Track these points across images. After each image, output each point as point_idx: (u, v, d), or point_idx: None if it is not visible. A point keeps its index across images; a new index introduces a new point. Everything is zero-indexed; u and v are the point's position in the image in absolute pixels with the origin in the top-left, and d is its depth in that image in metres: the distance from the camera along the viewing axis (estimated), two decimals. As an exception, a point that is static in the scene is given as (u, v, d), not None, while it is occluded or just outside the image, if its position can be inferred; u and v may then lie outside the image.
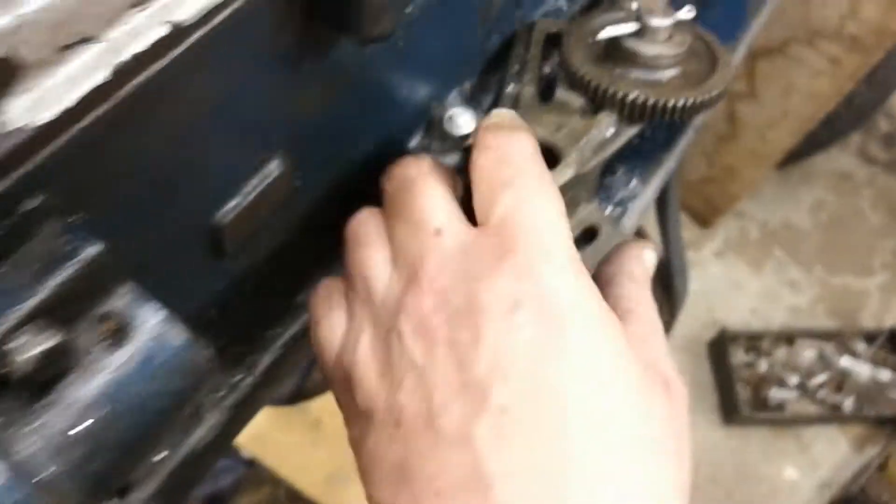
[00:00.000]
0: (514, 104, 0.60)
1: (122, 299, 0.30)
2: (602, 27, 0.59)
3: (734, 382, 2.40)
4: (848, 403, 2.38)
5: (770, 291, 2.74)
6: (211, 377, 0.32)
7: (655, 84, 0.57)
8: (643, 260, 0.57)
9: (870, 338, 2.52)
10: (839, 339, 2.51)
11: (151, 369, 0.29)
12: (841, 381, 2.42)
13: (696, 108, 0.56)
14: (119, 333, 0.30)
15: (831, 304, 2.73)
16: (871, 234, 2.90)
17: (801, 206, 2.96)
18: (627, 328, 0.46)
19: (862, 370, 2.42)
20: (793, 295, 2.74)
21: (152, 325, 0.30)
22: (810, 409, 2.41)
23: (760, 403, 2.42)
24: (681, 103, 0.55)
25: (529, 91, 0.61)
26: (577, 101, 0.58)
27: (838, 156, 3.06)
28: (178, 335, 0.30)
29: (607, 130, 0.56)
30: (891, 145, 3.12)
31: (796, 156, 2.86)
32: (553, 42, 0.65)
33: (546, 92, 0.61)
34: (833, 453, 2.45)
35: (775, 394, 2.40)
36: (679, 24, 0.58)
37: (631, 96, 0.55)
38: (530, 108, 0.60)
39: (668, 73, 0.58)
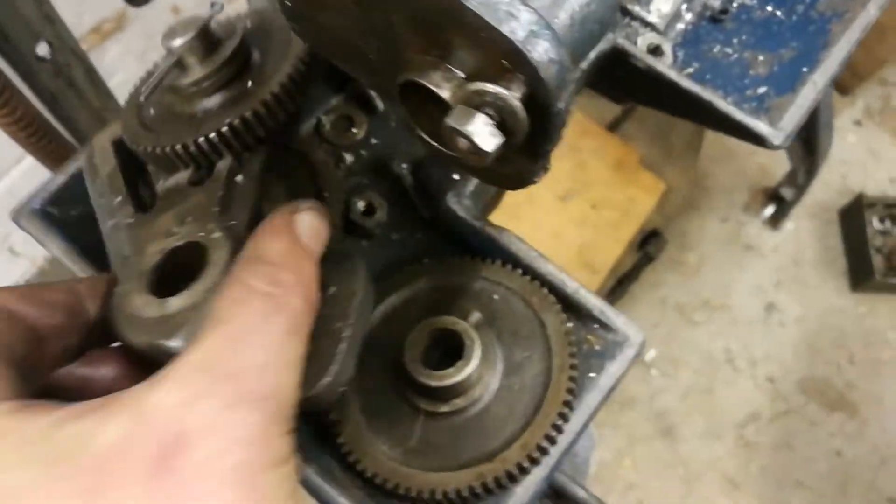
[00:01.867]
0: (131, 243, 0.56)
1: None
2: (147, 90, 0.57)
3: (868, 248, 2.37)
4: None
5: (913, 162, 2.64)
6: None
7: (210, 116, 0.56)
8: (287, 228, 0.48)
9: None
10: None
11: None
12: (984, 253, 2.35)
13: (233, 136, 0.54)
14: None
15: (980, 176, 2.60)
16: None
17: (956, 74, 2.78)
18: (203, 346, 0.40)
19: None
20: (937, 166, 2.63)
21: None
22: (948, 277, 2.36)
23: (893, 272, 2.39)
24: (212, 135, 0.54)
25: (127, 212, 0.57)
26: (180, 180, 0.57)
27: None
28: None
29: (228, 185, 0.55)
30: None
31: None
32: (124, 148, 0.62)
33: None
34: (965, 324, 2.42)
35: (911, 262, 2.36)
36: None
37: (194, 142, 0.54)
38: (139, 226, 0.56)
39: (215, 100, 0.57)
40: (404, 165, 0.73)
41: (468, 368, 0.59)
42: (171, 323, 0.48)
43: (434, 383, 0.59)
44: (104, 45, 2.02)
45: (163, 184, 0.60)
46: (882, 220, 2.45)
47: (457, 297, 0.64)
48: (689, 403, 2.41)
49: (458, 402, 0.61)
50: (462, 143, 0.38)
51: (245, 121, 0.56)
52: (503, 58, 0.37)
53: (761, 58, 0.76)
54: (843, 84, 2.68)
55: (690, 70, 0.76)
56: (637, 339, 0.63)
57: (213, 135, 0.56)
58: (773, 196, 2.53)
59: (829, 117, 2.14)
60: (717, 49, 0.77)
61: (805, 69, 0.73)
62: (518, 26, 0.36)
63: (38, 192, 0.68)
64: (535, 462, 0.58)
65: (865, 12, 0.75)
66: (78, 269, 0.66)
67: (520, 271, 0.65)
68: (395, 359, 0.62)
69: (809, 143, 2.21)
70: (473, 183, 0.69)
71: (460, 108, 0.38)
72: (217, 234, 0.52)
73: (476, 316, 0.62)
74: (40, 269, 2.18)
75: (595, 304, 0.63)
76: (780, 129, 0.70)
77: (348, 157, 0.75)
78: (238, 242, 0.51)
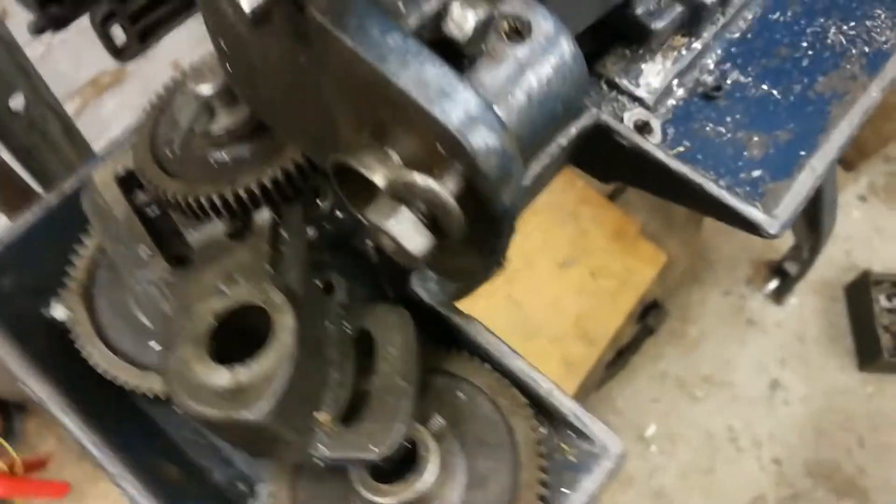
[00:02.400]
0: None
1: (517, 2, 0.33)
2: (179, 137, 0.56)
3: (876, 327, 2.29)
4: None
5: (920, 239, 2.58)
6: (586, 94, 0.34)
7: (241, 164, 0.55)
8: None
9: None
10: None
11: (549, 67, 0.32)
12: None
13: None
14: (517, 34, 0.32)
15: None
16: None
17: (961, 151, 2.74)
18: None
19: None
20: (944, 243, 2.57)
21: (546, 28, 0.32)
22: (958, 360, 2.27)
23: (902, 351, 2.31)
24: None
25: (160, 266, 0.57)
26: (217, 230, 0.56)
27: None
28: (567, 42, 0.32)
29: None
30: None
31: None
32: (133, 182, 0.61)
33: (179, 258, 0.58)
34: (978, 409, 2.31)
35: (920, 342, 2.28)
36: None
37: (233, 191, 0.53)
38: (179, 283, 0.56)
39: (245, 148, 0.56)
40: (369, 242, 0.68)
41: (421, 483, 0.52)
42: (247, 394, 0.47)
43: (382, 500, 0.52)
44: (101, 97, 2.01)
45: (195, 234, 0.58)
46: (889, 298, 2.38)
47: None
48: (689, 483, 2.30)
49: None
50: (387, 241, 0.33)
51: (288, 173, 0.55)
52: (439, 143, 0.32)
53: (756, 139, 0.71)
54: (848, 160, 2.64)
55: (681, 149, 0.71)
56: (615, 450, 0.56)
57: (254, 186, 0.54)
58: (777, 271, 2.47)
59: (834, 194, 2.10)
60: (709, 128, 0.72)
61: (803, 153, 0.68)
62: (453, 108, 0.31)
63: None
64: None
65: (867, 94, 0.71)
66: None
67: (488, 366, 0.59)
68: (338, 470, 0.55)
69: (814, 219, 2.16)
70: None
71: (384, 202, 0.33)
72: (276, 297, 0.51)
73: (438, 422, 0.55)
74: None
75: (570, 408, 0.57)
76: (776, 217, 0.64)
77: (310, 232, 0.69)
78: (296, 304, 0.51)
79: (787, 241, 2.47)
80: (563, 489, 0.55)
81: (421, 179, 0.32)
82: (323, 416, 0.52)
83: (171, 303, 0.55)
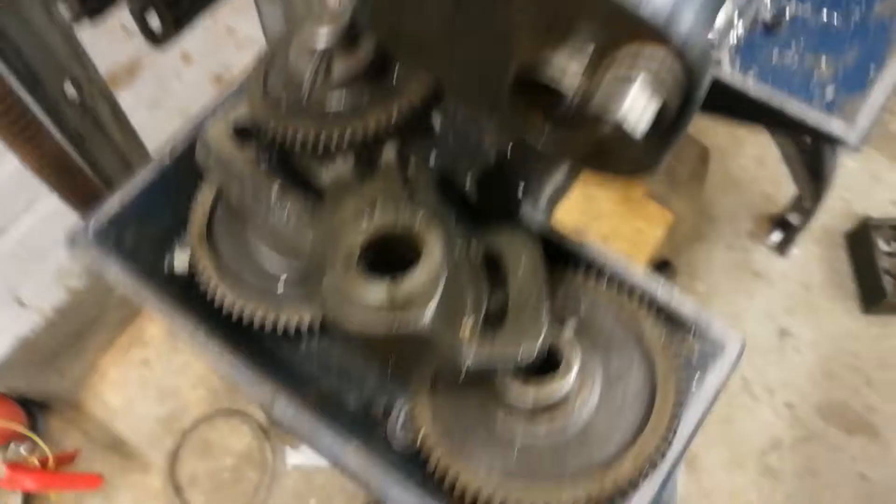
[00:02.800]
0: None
1: None
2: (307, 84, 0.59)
3: (878, 270, 2.37)
4: None
5: (913, 185, 2.66)
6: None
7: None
8: None
9: None
10: None
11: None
12: None
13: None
14: None
15: (978, 196, 2.63)
16: None
17: (945, 98, 2.83)
18: None
19: None
20: (937, 187, 2.66)
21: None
22: (959, 296, 2.36)
23: (904, 292, 2.39)
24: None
25: (295, 203, 0.60)
26: (345, 167, 0.59)
27: None
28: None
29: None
30: None
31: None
32: (245, 134, 0.64)
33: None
34: (979, 342, 2.41)
35: (921, 282, 2.36)
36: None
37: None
38: (318, 215, 0.60)
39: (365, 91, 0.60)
40: (468, 179, 0.71)
41: (566, 379, 0.56)
42: (408, 303, 0.52)
43: (532, 394, 0.56)
44: (116, 92, 2.02)
45: (323, 172, 0.61)
46: (889, 242, 2.46)
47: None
48: (709, 433, 2.37)
49: (558, 416, 0.57)
50: (615, 112, 0.36)
51: (412, 109, 0.59)
52: (641, 34, 0.35)
53: (824, 60, 0.75)
54: (839, 110, 2.72)
55: (752, 75, 0.75)
56: (736, 345, 0.60)
57: (385, 122, 0.58)
58: (779, 223, 2.53)
59: (835, 148, 2.17)
60: (775, 56, 0.76)
61: (872, 70, 0.73)
62: (662, 4, 0.35)
63: (93, 217, 0.65)
64: (649, 473, 0.54)
65: (925, 13, 0.75)
66: (134, 292, 0.62)
67: (605, 280, 0.63)
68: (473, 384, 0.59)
69: (815, 167, 2.22)
70: (548, 189, 0.67)
71: (611, 79, 0.36)
72: (420, 217, 0.55)
73: (572, 324, 0.59)
74: (48, 321, 2.11)
75: (690, 310, 0.61)
76: (857, 127, 0.69)
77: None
78: (438, 223, 0.55)
79: (786, 193, 2.54)
80: (694, 382, 0.59)
81: (649, 51, 0.35)
82: (467, 327, 0.56)
83: (314, 234, 0.58)
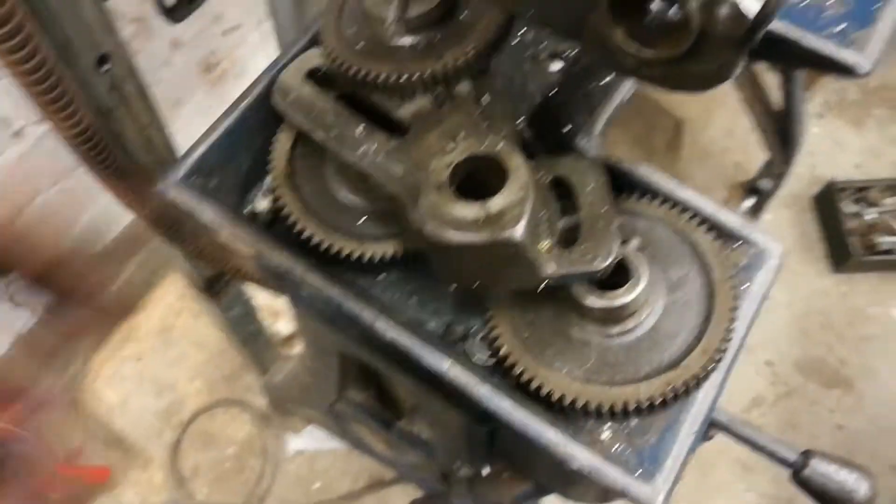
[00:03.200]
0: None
1: None
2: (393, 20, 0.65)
3: (844, 231, 2.50)
4: (958, 244, 2.47)
5: (873, 148, 2.81)
6: None
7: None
8: None
9: (974, 185, 2.59)
10: (945, 187, 2.59)
11: None
12: (949, 225, 2.51)
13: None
14: None
15: (933, 158, 2.80)
16: (969, 91, 2.94)
17: (896, 67, 2.99)
18: None
19: (970, 214, 2.51)
20: None
21: None
22: (920, 251, 2.51)
23: (870, 250, 2.53)
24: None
25: (380, 138, 0.65)
26: (423, 103, 0.65)
27: (932, 16, 3.07)
28: None
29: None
30: None
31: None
32: (319, 79, 0.70)
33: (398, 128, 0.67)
34: (940, 294, 2.56)
35: (885, 240, 2.50)
36: None
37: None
38: (404, 148, 0.64)
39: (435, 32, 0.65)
40: (521, 120, 0.77)
41: (638, 288, 0.62)
42: (502, 218, 0.57)
43: (607, 304, 0.62)
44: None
45: (403, 109, 0.66)
46: (853, 204, 2.60)
47: None
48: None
49: (630, 323, 0.63)
50: (724, 11, 0.42)
51: (485, 48, 0.63)
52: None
53: (831, 0, 0.83)
54: (805, 80, 2.85)
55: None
56: (777, 251, 0.67)
57: (460, 60, 0.62)
58: (751, 189, 2.65)
59: (802, 107, 2.28)
60: (789, -3, 0.84)
61: (877, 5, 0.81)
62: None
63: (178, 165, 0.69)
64: (715, 365, 0.61)
65: (918, -45, 0.83)
66: (231, 232, 0.66)
67: (658, 200, 0.69)
68: (557, 287, 0.64)
69: (786, 132, 2.34)
70: (600, 123, 0.73)
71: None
72: (502, 145, 0.60)
73: (636, 241, 0.65)
74: (41, 319, 2.10)
75: (736, 221, 0.68)
76: (868, 56, 0.76)
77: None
78: (519, 148, 0.61)
79: (755, 162, 2.66)
80: (744, 284, 0.66)
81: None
82: (545, 244, 0.61)
83: (403, 166, 0.63)
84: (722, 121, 2.85)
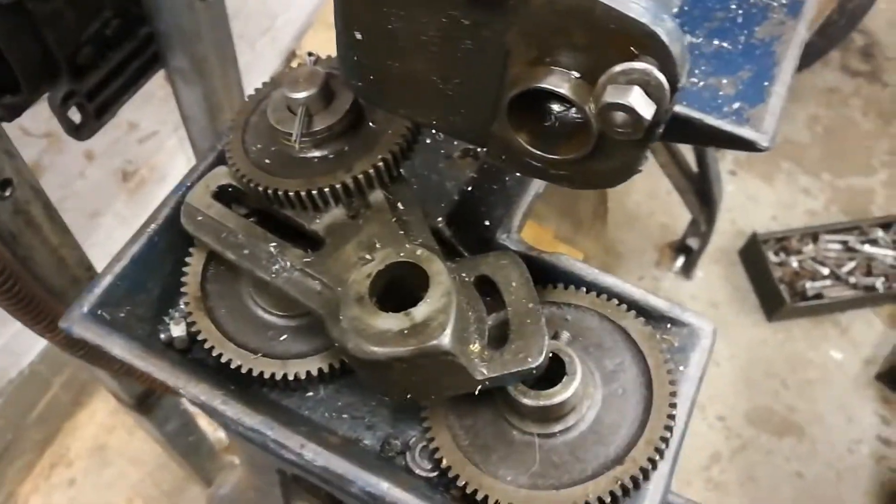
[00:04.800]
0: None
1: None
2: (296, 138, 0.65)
3: (773, 279, 2.58)
4: (880, 284, 2.58)
5: (785, 200, 2.95)
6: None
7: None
8: None
9: (885, 226, 2.73)
10: (859, 230, 2.72)
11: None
12: (869, 266, 2.63)
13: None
14: None
15: (843, 203, 2.94)
16: (866, 138, 3.13)
17: (797, 122, 3.17)
18: None
19: (886, 253, 2.63)
20: (807, 200, 2.95)
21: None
22: (847, 293, 2.60)
23: (799, 297, 2.61)
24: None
25: (294, 255, 0.64)
26: (337, 215, 0.65)
27: (822, 72, 3.29)
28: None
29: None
30: (869, 56, 3.36)
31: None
32: (227, 197, 0.69)
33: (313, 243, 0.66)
34: (870, 333, 2.65)
35: (812, 285, 2.59)
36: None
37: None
38: (320, 262, 0.63)
39: (342, 143, 0.66)
40: (439, 219, 0.76)
41: (575, 382, 0.60)
42: (427, 328, 0.55)
43: (545, 403, 0.60)
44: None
45: (317, 222, 0.64)
46: (777, 254, 2.70)
47: None
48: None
49: (570, 419, 0.62)
50: (618, 117, 0.43)
51: (395, 155, 0.63)
52: (630, 44, 0.42)
53: (725, 81, 0.86)
54: (712, 142, 2.99)
55: (670, 100, 0.85)
56: (709, 329, 0.67)
57: (370, 170, 0.62)
58: (680, 249, 2.73)
59: (717, 167, 2.39)
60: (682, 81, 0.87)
61: (766, 83, 0.85)
62: (644, 11, 0.42)
63: (82, 299, 0.65)
64: (661, 455, 0.59)
65: (797, 33, 0.88)
66: (144, 364, 0.63)
67: (583, 289, 0.69)
68: (492, 390, 0.62)
69: (704, 193, 2.43)
70: (518, 216, 0.73)
71: (614, 87, 0.43)
72: (421, 251, 0.59)
73: (566, 335, 0.64)
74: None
75: (663, 304, 0.68)
76: (765, 132, 0.79)
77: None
78: (438, 253, 0.60)
79: (682, 222, 2.74)
80: (680, 367, 0.65)
81: (639, 65, 0.42)
82: (475, 347, 0.60)
83: (321, 280, 0.61)
84: (644, 185, 2.95)
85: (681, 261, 2.74)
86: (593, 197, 2.72)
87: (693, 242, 2.62)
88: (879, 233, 2.70)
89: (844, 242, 2.69)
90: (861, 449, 2.46)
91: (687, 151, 2.38)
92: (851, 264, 2.63)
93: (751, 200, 2.96)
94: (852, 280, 2.61)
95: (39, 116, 1.73)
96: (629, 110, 0.42)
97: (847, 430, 2.50)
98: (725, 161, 3.02)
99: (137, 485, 2.30)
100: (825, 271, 2.63)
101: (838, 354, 2.62)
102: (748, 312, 2.71)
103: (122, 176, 2.15)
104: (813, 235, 2.71)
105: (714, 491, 2.41)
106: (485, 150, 0.56)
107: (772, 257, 2.68)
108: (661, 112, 0.44)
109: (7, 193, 1.02)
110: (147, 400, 1.70)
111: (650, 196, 2.95)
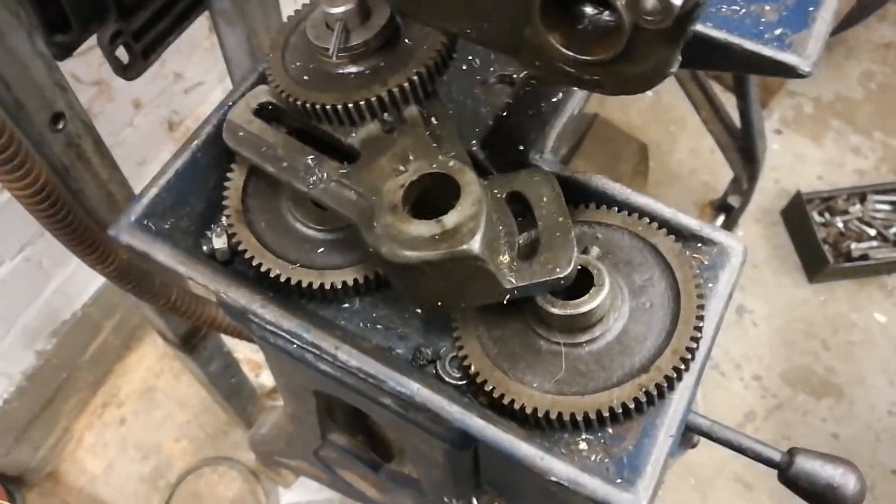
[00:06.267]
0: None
1: None
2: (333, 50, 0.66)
3: (817, 240, 2.53)
4: (927, 244, 2.51)
5: (834, 159, 2.87)
6: None
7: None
8: None
9: (937, 186, 2.64)
10: (909, 190, 2.64)
11: None
12: (917, 226, 2.56)
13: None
14: None
15: (894, 162, 2.85)
16: (921, 96, 3.02)
17: (850, 79, 3.07)
18: None
19: (936, 213, 2.55)
20: (857, 160, 2.87)
21: None
22: (894, 255, 2.54)
23: (843, 258, 2.56)
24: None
25: (331, 166, 0.65)
26: (372, 129, 0.66)
27: (878, 27, 3.17)
28: None
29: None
30: (928, 11, 3.23)
31: (838, 29, 2.98)
32: (267, 115, 0.70)
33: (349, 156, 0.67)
34: (917, 295, 2.59)
35: (857, 246, 2.53)
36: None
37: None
38: (356, 174, 0.64)
39: (378, 59, 0.67)
40: (473, 142, 0.77)
41: (602, 293, 0.62)
42: (458, 233, 0.57)
43: (571, 312, 0.61)
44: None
45: (353, 136, 0.66)
46: (821, 214, 2.64)
47: None
48: (700, 398, 2.46)
49: (597, 330, 0.63)
50: (649, 2, 0.43)
51: (429, 70, 0.64)
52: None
53: (768, 7, 0.85)
54: (760, 98, 2.91)
55: (710, 27, 0.84)
56: (739, 248, 0.67)
57: (405, 84, 0.63)
58: (721, 207, 2.69)
59: (761, 124, 2.33)
60: (724, 9, 0.86)
61: (811, 8, 0.83)
62: None
63: (130, 209, 0.68)
64: (686, 365, 0.60)
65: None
66: (187, 270, 0.66)
67: (615, 208, 0.69)
68: (521, 302, 0.64)
69: (747, 150, 2.38)
70: (552, 138, 0.73)
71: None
72: (454, 163, 0.60)
73: (596, 250, 0.65)
74: (18, 387, 2.05)
75: (694, 223, 0.68)
76: (807, 57, 0.78)
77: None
78: (470, 165, 0.61)
79: (723, 180, 2.70)
80: (708, 285, 0.66)
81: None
82: (504, 258, 0.61)
83: (356, 191, 0.63)
84: (686, 143, 2.90)
85: (721, 219, 2.70)
86: (634, 154, 2.69)
87: (734, 201, 2.58)
88: (931, 193, 2.62)
89: (893, 203, 2.61)
90: (902, 411, 2.42)
91: (731, 108, 2.33)
92: (900, 225, 2.56)
93: (797, 159, 2.89)
94: (900, 241, 2.54)
95: (91, 63, 1.79)
96: (657, -5, 0.42)
97: (888, 393, 2.46)
98: (771, 120, 2.95)
99: (184, 426, 2.40)
100: (872, 232, 2.56)
101: (882, 317, 2.57)
102: (788, 273, 2.66)
103: (168, 125, 2.20)
104: (860, 195, 2.64)
105: (748, 449, 2.40)
106: (518, 62, 0.57)
107: (816, 217, 2.62)
108: (691, 2, 0.44)
109: (60, 126, 1.06)
110: (192, 340, 1.76)
111: (692, 154, 2.90)
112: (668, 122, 2.93)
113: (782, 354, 2.55)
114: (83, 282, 2.12)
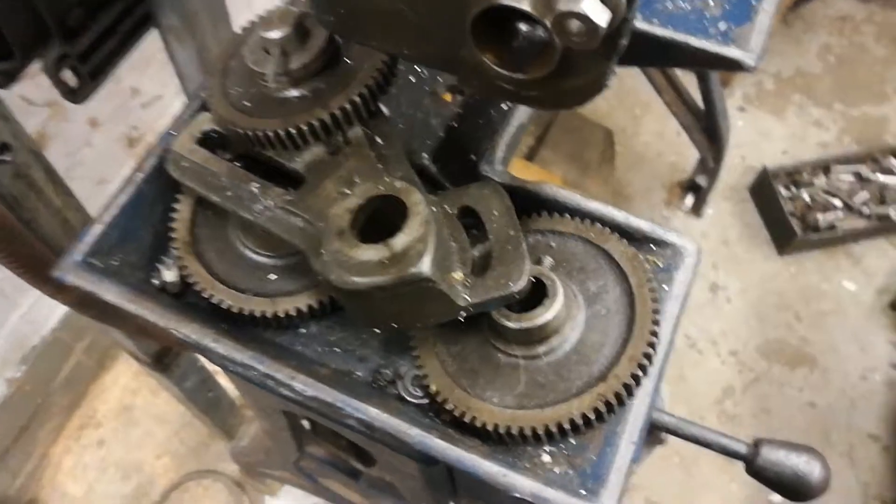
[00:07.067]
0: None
1: None
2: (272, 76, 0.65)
3: (785, 213, 2.56)
4: (894, 212, 2.55)
5: (797, 133, 2.90)
6: None
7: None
8: None
9: (898, 153, 2.68)
10: (871, 159, 2.68)
11: None
12: (882, 195, 2.59)
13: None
14: None
15: (856, 133, 2.89)
16: (880, 65, 3.06)
17: (809, 53, 3.10)
18: None
19: (899, 181, 2.59)
20: (819, 132, 2.90)
21: None
22: (860, 223, 2.58)
23: (811, 229, 2.59)
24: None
25: (276, 192, 0.64)
26: (317, 152, 0.66)
27: (834, 1, 3.20)
28: None
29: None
30: (881, -20, 3.26)
31: (796, 4, 3.01)
32: (212, 143, 0.70)
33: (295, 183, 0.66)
34: (884, 262, 2.63)
35: (824, 217, 2.57)
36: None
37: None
38: (302, 199, 0.63)
39: (319, 82, 0.66)
40: (425, 156, 0.77)
41: (556, 304, 0.61)
42: (407, 257, 0.56)
43: (527, 325, 0.61)
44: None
45: (297, 161, 0.65)
46: (787, 188, 2.67)
47: None
48: (665, 394, 2.48)
49: (554, 341, 0.63)
50: (574, 25, 0.43)
51: (371, 90, 0.63)
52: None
53: (711, 3, 0.85)
54: (721, 77, 2.93)
55: (655, 23, 0.84)
56: (693, 248, 0.67)
57: (347, 106, 0.62)
58: (690, 187, 2.71)
59: (723, 103, 2.35)
60: (669, 5, 0.86)
61: (754, 1, 0.83)
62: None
63: (74, 248, 0.67)
64: (644, 371, 0.60)
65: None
66: (136, 308, 0.64)
67: (567, 215, 0.69)
68: (478, 316, 0.63)
69: (711, 129, 2.40)
70: (501, 148, 0.73)
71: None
72: (400, 184, 0.60)
73: (549, 260, 0.65)
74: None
75: (646, 225, 0.68)
76: (751, 51, 0.78)
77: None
78: (417, 185, 0.61)
79: (690, 160, 2.72)
80: (663, 286, 0.66)
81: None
82: (457, 275, 0.61)
83: (303, 217, 0.62)
84: (651, 125, 2.91)
85: (690, 199, 2.72)
86: (600, 140, 2.70)
87: (702, 180, 2.60)
88: (893, 161, 2.66)
89: (857, 173, 2.65)
90: (874, 377, 2.46)
91: (693, 89, 2.34)
92: (864, 194, 2.60)
93: (761, 136, 2.92)
94: (865, 210, 2.58)
95: (42, 84, 1.75)
96: (583, 18, 0.42)
97: (860, 359, 2.50)
98: (734, 97, 2.98)
99: (164, 442, 2.37)
100: (837, 202, 2.60)
101: (851, 285, 2.61)
102: (759, 247, 2.70)
103: (128, 142, 2.16)
104: (824, 167, 2.68)
105: (728, 423, 2.44)
106: (457, 75, 0.56)
107: (783, 191, 2.65)
108: (618, 20, 0.44)
109: (7, 158, 1.04)
110: (164, 359, 1.74)
111: (658, 136, 2.92)
112: (633, 106, 2.94)
113: (756, 329, 2.59)
114: (49, 307, 2.08)
